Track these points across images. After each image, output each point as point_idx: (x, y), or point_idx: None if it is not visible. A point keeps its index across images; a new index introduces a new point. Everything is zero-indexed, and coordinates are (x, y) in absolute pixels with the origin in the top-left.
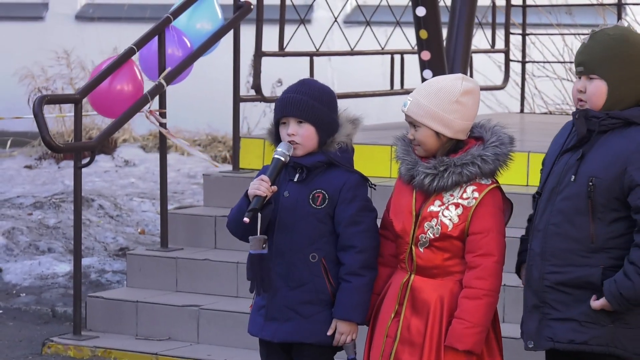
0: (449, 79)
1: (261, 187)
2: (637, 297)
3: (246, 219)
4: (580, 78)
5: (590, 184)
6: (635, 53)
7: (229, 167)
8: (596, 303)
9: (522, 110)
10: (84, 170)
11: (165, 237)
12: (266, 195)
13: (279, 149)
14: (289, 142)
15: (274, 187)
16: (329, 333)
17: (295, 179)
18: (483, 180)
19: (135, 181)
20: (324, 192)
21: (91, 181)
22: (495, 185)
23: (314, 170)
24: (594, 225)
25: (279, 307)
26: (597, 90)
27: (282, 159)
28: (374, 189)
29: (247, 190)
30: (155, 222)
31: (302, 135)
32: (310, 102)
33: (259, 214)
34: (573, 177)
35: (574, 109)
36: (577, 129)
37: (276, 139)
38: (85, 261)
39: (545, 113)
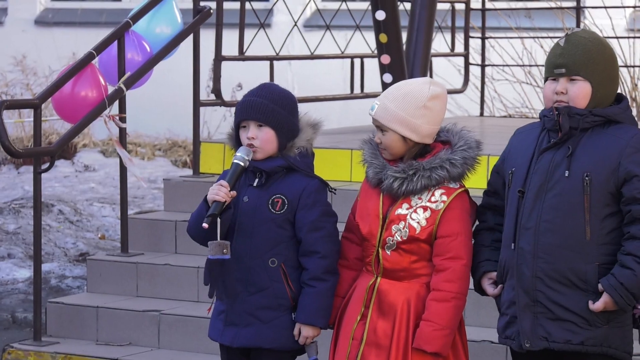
0: (416, 84)
1: (220, 192)
2: None
3: (205, 225)
4: (555, 80)
5: (587, 178)
6: (612, 54)
7: (190, 172)
8: (597, 305)
9: (481, 114)
10: (43, 175)
11: (125, 242)
12: (225, 201)
13: (238, 154)
14: (249, 145)
15: (233, 192)
16: (297, 338)
17: (255, 184)
18: (451, 184)
19: (95, 186)
20: (284, 197)
21: (51, 186)
22: (463, 189)
23: (273, 175)
24: (589, 220)
25: (238, 312)
26: (582, 91)
27: (242, 163)
28: (334, 193)
29: (207, 195)
30: (115, 227)
31: (261, 138)
32: (270, 106)
33: (218, 219)
34: (567, 172)
35: (533, 112)
36: (562, 125)
37: (236, 143)
38: (45, 267)
39: (505, 116)
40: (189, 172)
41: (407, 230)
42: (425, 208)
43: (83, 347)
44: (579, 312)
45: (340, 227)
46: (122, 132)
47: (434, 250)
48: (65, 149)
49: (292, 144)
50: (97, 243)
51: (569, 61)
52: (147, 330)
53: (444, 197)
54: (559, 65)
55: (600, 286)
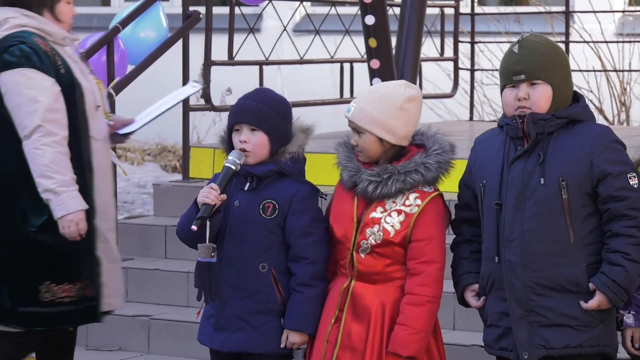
0: (392, 86)
1: (210, 195)
2: (632, 279)
3: (194, 227)
4: (514, 87)
5: (563, 182)
6: (565, 55)
7: (179, 177)
8: (591, 303)
9: (471, 118)
10: None
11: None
12: (215, 204)
13: (229, 157)
14: (241, 149)
15: (223, 196)
16: (283, 345)
17: (246, 188)
18: (425, 187)
19: None
20: (274, 203)
21: None
22: (437, 192)
23: (264, 180)
24: (571, 223)
25: (228, 316)
26: (543, 95)
27: (233, 167)
28: (325, 199)
29: (197, 198)
30: None
31: (254, 142)
32: (265, 110)
33: (208, 222)
34: (542, 179)
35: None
36: (529, 132)
37: (229, 146)
38: None
39: (494, 121)
40: (179, 177)
41: (382, 234)
42: (399, 212)
43: None
44: (574, 314)
45: None
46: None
47: (408, 253)
48: None
49: (283, 149)
50: None
51: (527, 67)
52: (137, 335)
53: (418, 201)
54: (518, 71)
55: (591, 286)
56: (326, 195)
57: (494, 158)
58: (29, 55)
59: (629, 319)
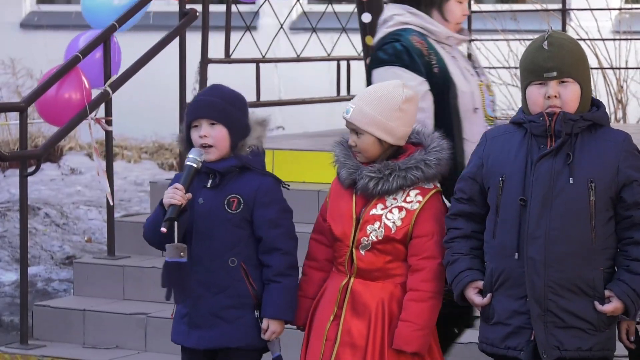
0: (389, 87)
1: (176, 195)
2: None
3: (163, 229)
4: (543, 84)
5: (591, 184)
6: (587, 57)
7: None
8: (607, 307)
9: None
10: (29, 178)
11: (112, 245)
12: (182, 204)
13: (190, 156)
14: (202, 144)
15: (189, 195)
16: (264, 335)
17: (209, 185)
18: (426, 184)
19: (82, 189)
20: (239, 197)
21: (37, 190)
22: (437, 189)
23: (227, 175)
24: (595, 226)
25: (202, 314)
26: (574, 94)
27: (195, 165)
28: (288, 189)
29: (162, 199)
30: (102, 230)
31: (214, 137)
32: (223, 104)
33: (176, 223)
34: (571, 179)
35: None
36: (559, 131)
37: (188, 144)
38: (31, 270)
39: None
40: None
41: (383, 230)
42: (400, 208)
43: (70, 351)
44: (587, 318)
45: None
46: (109, 135)
47: (410, 250)
48: (51, 152)
49: (243, 143)
50: (83, 246)
51: (559, 64)
52: (134, 333)
53: (420, 197)
54: (550, 68)
55: (607, 292)
56: (289, 185)
57: (515, 154)
58: (400, 53)
59: None
